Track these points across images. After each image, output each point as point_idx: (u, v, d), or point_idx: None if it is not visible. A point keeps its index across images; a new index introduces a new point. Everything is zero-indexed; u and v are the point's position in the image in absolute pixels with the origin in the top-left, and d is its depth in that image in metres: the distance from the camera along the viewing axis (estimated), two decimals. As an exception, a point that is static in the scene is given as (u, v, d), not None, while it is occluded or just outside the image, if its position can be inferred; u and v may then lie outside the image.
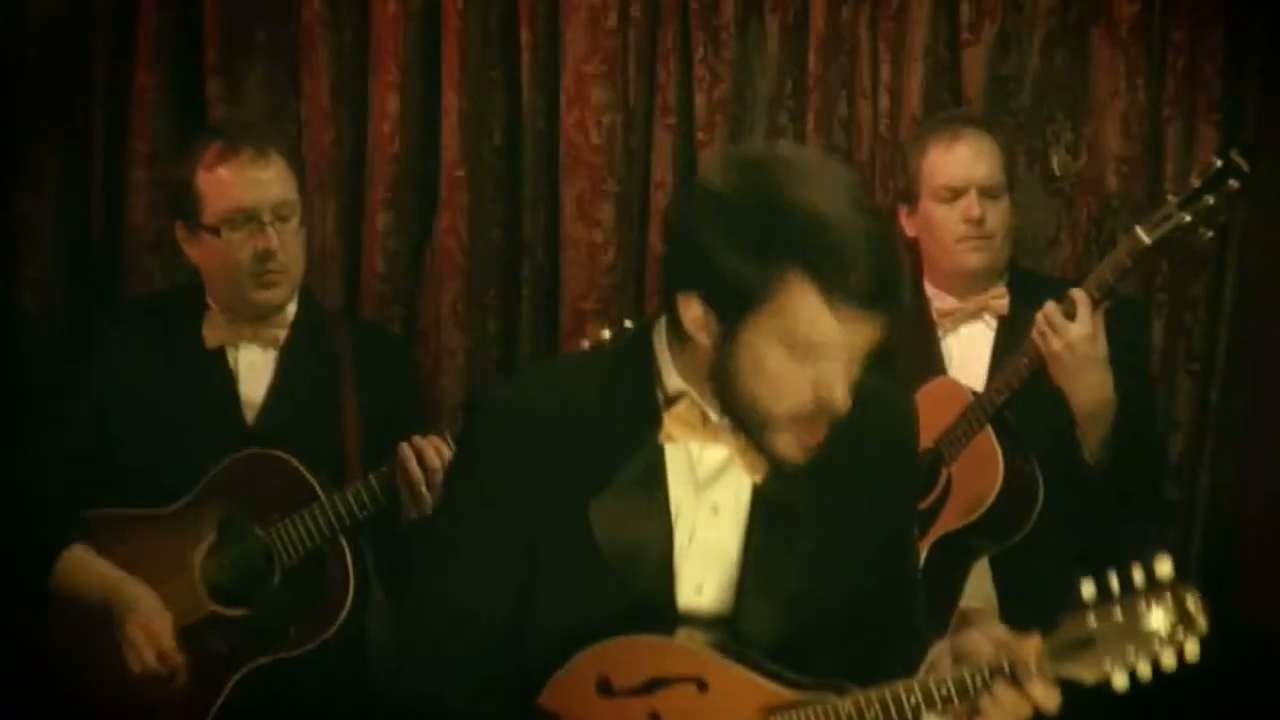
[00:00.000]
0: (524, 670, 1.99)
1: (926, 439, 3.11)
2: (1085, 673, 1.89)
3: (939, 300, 3.24)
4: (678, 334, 1.95)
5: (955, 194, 3.14)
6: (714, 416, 1.97)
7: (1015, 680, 1.88)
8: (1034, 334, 2.91)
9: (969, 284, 3.21)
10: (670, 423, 1.96)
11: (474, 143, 3.70)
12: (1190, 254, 3.51)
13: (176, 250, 3.01)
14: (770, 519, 1.99)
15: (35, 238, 3.69)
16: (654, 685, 1.94)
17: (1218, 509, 3.61)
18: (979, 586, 3.10)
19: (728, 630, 1.99)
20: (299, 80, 3.73)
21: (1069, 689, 3.01)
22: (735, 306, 1.85)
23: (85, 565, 2.85)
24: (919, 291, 3.28)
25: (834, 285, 1.81)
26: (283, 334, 2.98)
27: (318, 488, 2.85)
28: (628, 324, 2.94)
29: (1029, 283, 3.24)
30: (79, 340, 3.02)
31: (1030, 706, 1.90)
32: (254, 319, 2.96)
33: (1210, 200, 2.78)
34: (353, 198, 3.74)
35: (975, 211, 3.12)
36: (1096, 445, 2.97)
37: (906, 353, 3.18)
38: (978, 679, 1.89)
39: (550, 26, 3.69)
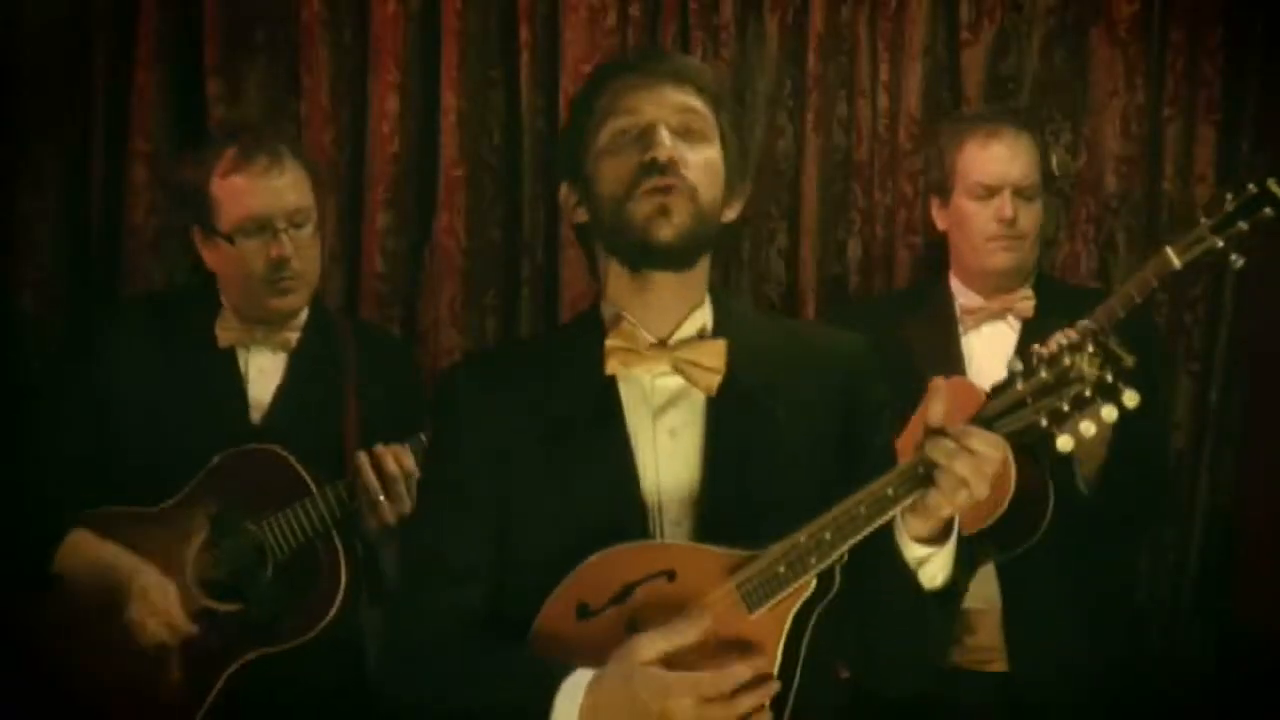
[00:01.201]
0: (511, 613, 2.03)
1: None
2: (1021, 431, 1.87)
3: (963, 297, 3.21)
4: (591, 258, 2.16)
5: (990, 192, 3.11)
6: (650, 337, 2.09)
7: (947, 436, 1.87)
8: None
9: (995, 283, 3.18)
10: (611, 352, 2.07)
11: (473, 142, 3.70)
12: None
13: (181, 250, 3.03)
14: (723, 430, 2.06)
15: (35, 238, 3.68)
16: (626, 592, 1.98)
17: (1218, 509, 3.61)
18: (982, 588, 3.08)
19: (698, 533, 2.04)
20: (299, 80, 3.73)
21: (1074, 697, 3.04)
22: (577, 153, 2.10)
23: (84, 546, 2.85)
24: (943, 285, 3.26)
25: (630, 68, 2.11)
26: (295, 337, 2.98)
27: (310, 482, 2.85)
28: None
29: (1055, 289, 3.22)
30: (79, 340, 3.01)
31: (977, 463, 1.87)
32: (267, 321, 2.96)
33: (1244, 226, 2.75)
34: (352, 198, 3.74)
35: (1008, 212, 3.10)
36: (1091, 473, 2.95)
37: (925, 346, 3.17)
38: (918, 468, 1.89)
39: (550, 26, 3.70)
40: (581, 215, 2.13)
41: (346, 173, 3.73)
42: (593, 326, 2.13)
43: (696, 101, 2.08)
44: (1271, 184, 2.75)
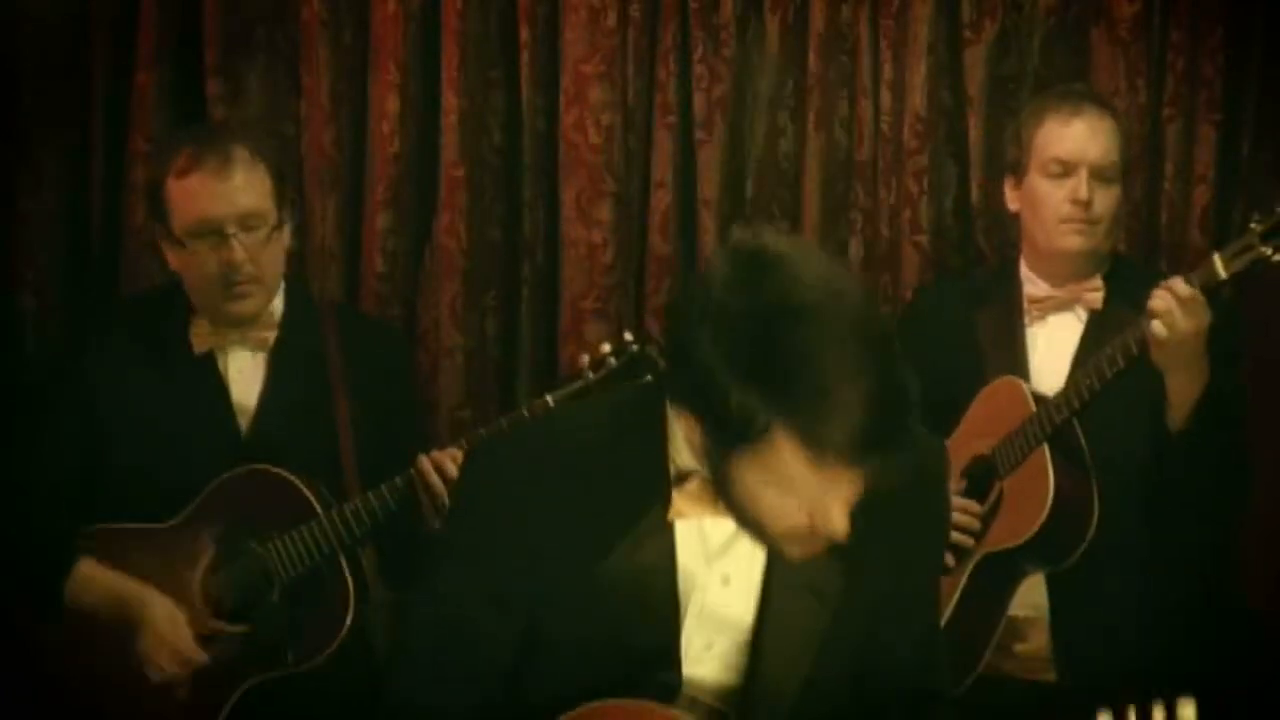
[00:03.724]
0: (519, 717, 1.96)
1: (982, 444, 3.07)
2: None
3: (1031, 285, 3.15)
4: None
5: (1065, 169, 3.05)
6: None
7: None
8: (1157, 307, 2.74)
9: (1066, 269, 3.12)
10: (680, 500, 1.90)
11: (473, 142, 3.70)
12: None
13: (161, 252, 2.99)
14: (785, 589, 1.92)
15: (35, 238, 3.69)
16: None
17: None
18: (1030, 595, 3.05)
19: (736, 703, 1.94)
20: (299, 80, 3.73)
21: (1083, 669, 2.98)
22: (725, 438, 1.75)
23: (94, 579, 2.84)
24: (1012, 272, 3.21)
25: (816, 440, 1.70)
26: (271, 336, 2.94)
27: (316, 504, 2.84)
28: (627, 336, 2.92)
29: (1129, 276, 3.12)
30: (78, 341, 3.01)
31: None
32: (234, 324, 2.92)
33: None
34: (353, 198, 3.74)
35: (1083, 193, 3.03)
36: (1183, 418, 2.86)
37: (989, 334, 3.13)
38: None
39: (550, 26, 3.69)
40: (699, 465, 1.84)
41: (347, 173, 3.73)
42: (660, 460, 1.90)
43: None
44: None
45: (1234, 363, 3.01)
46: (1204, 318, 2.74)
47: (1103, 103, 3.19)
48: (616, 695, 1.90)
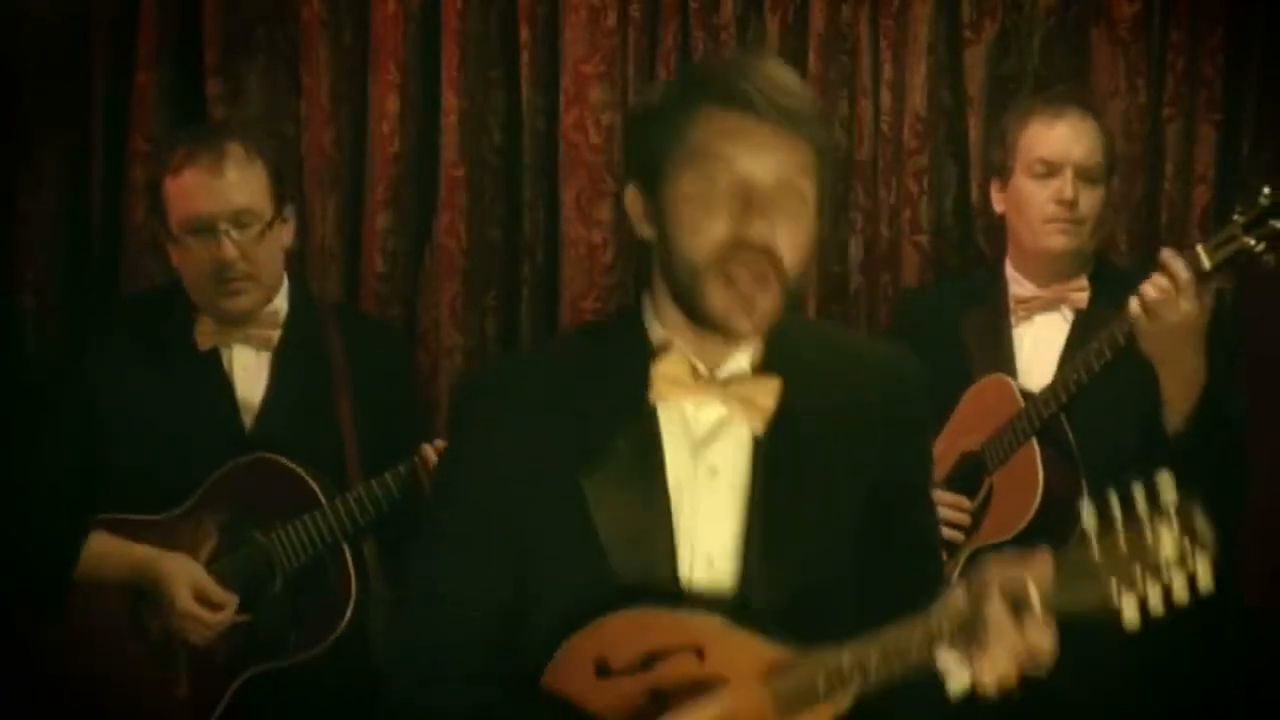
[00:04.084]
0: (526, 653, 1.96)
1: (972, 441, 3.08)
2: (1090, 603, 1.79)
3: (1017, 285, 3.16)
4: (650, 283, 1.98)
5: (1050, 170, 3.05)
6: (702, 369, 1.94)
7: (1015, 613, 1.80)
8: (1150, 294, 2.70)
9: (1051, 269, 3.12)
10: (659, 380, 1.93)
11: (473, 142, 3.70)
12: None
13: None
14: (771, 476, 1.94)
15: (35, 238, 3.70)
16: (651, 660, 1.89)
17: (1217, 509, 3.60)
18: None
19: (734, 596, 1.94)
20: (299, 80, 3.73)
21: (1082, 668, 2.99)
22: (654, 169, 1.89)
23: (107, 553, 2.85)
24: (999, 273, 3.22)
25: (732, 97, 1.85)
26: (275, 335, 2.94)
27: (319, 493, 2.84)
28: None
29: (1114, 277, 3.12)
30: (78, 341, 3.01)
31: (1024, 646, 1.81)
32: (231, 322, 2.92)
33: (1278, 225, 2.61)
34: (353, 198, 3.75)
35: (1069, 193, 3.03)
36: (1180, 419, 2.83)
37: (976, 335, 3.14)
38: (979, 617, 1.81)
39: (549, 26, 3.70)
40: (648, 232, 1.93)
41: (347, 173, 3.74)
42: (637, 344, 1.97)
43: (804, 156, 1.87)
44: None
45: (1232, 362, 3.01)
46: (1193, 306, 2.74)
47: (1087, 105, 3.19)
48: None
